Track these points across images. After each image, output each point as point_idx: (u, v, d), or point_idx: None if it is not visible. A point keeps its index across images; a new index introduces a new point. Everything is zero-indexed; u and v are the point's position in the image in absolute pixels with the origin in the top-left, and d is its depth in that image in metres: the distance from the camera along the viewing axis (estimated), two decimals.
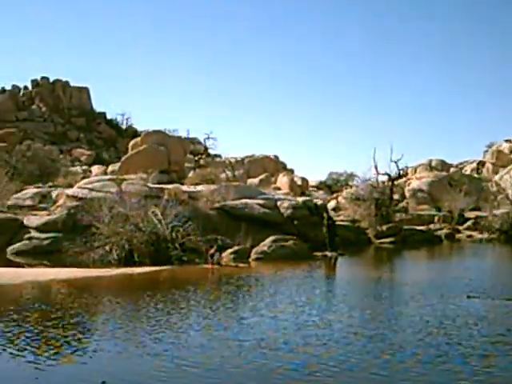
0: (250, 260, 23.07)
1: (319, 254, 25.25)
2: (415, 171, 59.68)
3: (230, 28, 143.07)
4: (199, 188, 31.51)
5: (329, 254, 25.40)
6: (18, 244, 24.98)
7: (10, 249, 24.65)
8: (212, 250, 21.30)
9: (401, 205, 43.88)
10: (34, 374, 7.86)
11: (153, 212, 22.56)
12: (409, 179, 53.44)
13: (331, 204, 41.82)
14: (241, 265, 21.47)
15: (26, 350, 9.06)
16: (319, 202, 32.16)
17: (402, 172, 41.16)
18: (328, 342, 9.63)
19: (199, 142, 65.98)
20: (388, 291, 16.31)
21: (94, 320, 11.95)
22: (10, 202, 30.46)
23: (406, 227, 35.12)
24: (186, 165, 49.37)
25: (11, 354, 8.83)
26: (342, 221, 33.38)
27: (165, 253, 21.40)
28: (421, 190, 49.64)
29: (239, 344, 9.43)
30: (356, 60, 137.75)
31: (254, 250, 23.71)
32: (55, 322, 11.14)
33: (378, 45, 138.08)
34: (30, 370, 8.01)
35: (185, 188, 31.38)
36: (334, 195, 47.74)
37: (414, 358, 8.61)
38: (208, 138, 59.91)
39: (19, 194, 32.02)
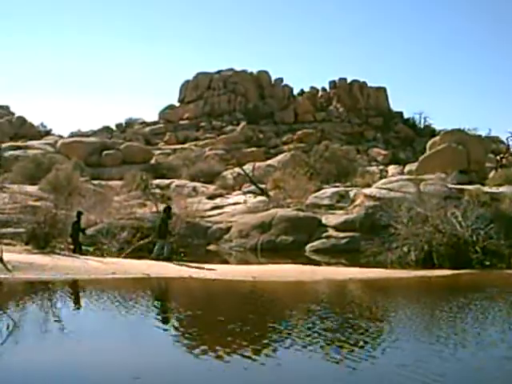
0: None
1: None
2: None
3: None
4: (502, 189, 29.70)
5: None
6: (316, 242, 26.20)
7: (308, 246, 26.03)
8: None
9: None
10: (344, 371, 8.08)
11: (453, 213, 21.93)
12: None
13: None
14: None
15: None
16: None
17: None
18: None
19: (501, 141, 62.28)
20: None
21: (388, 321, 11.89)
22: (308, 201, 31.79)
23: None
24: (487, 164, 46.81)
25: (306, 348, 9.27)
26: None
27: (465, 256, 20.60)
28: None
29: None
30: None
31: None
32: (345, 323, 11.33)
33: None
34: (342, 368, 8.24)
35: (486, 189, 29.90)
36: None
37: None
38: (511, 136, 56.47)
39: (318, 194, 33.31)
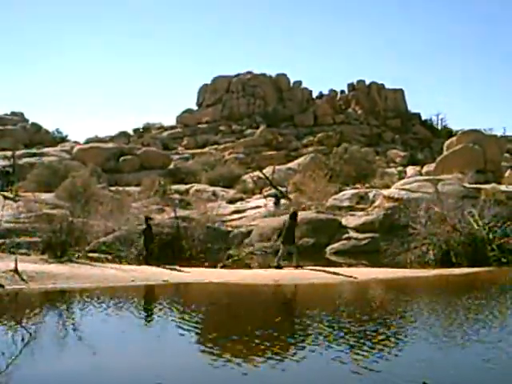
0: None
1: None
2: None
3: None
4: None
5: None
6: (336, 244, 26.43)
7: (329, 248, 26.23)
8: None
9: None
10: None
11: (469, 212, 22.30)
12: None
13: None
14: None
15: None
16: None
17: None
18: None
19: None
20: None
21: (408, 321, 12.20)
22: (328, 203, 32.11)
23: None
24: (503, 164, 47.05)
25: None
26: None
27: (482, 254, 20.95)
28: None
29: None
30: None
31: None
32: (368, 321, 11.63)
33: None
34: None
35: (502, 188, 30.21)
36: None
37: None
38: None
39: (337, 195, 33.57)
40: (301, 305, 14.68)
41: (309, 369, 8.50)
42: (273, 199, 34.95)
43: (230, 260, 22.74)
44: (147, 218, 22.26)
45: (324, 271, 18.53)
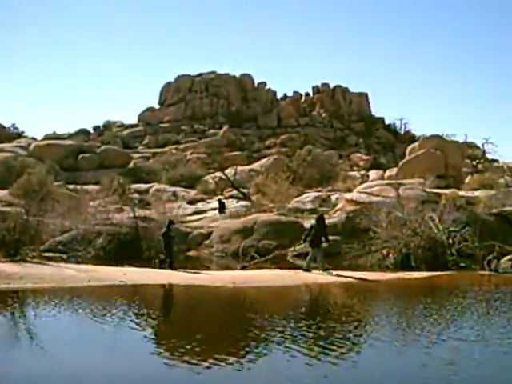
0: None
1: None
2: None
3: None
4: (477, 193, 30.66)
5: None
6: (298, 246, 26.04)
7: (290, 251, 25.72)
8: (489, 257, 20.50)
9: None
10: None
11: (430, 217, 22.39)
12: None
13: None
14: None
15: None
16: None
17: None
18: None
19: (477, 147, 63.63)
20: None
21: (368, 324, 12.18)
22: (290, 206, 32.01)
23: None
24: (464, 170, 47.85)
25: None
26: None
27: (442, 258, 21.01)
28: None
29: None
30: None
31: None
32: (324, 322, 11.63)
33: None
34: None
35: (462, 193, 30.62)
36: None
37: None
38: (486, 142, 58.05)
39: (300, 198, 33.57)
40: (256, 307, 14.29)
41: (262, 370, 8.45)
42: (234, 200, 34.66)
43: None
44: (170, 222, 21.49)
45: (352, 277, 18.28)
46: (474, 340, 10.06)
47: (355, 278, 17.94)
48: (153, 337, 10.60)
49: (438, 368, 8.30)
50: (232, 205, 34.44)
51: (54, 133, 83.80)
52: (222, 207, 32.45)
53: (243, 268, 21.00)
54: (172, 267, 19.58)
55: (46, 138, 75.72)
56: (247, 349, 9.51)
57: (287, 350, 9.23)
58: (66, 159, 56.20)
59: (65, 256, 22.06)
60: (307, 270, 19.25)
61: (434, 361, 8.68)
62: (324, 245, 20.12)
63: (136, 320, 11.67)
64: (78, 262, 20.99)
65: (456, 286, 17.34)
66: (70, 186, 42.68)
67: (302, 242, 21.24)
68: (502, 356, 9.11)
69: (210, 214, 32.93)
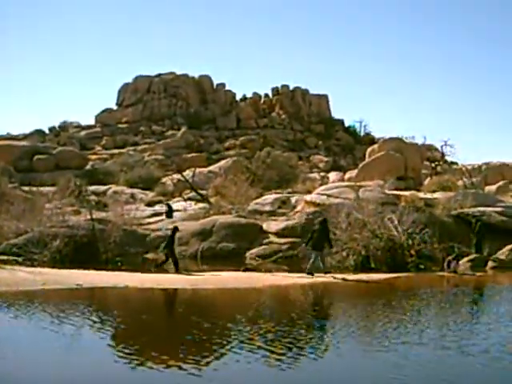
0: (487, 269, 21.88)
1: None
2: None
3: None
4: (436, 195, 30.96)
5: None
6: (257, 249, 25.80)
7: (249, 253, 25.59)
8: (449, 258, 20.74)
9: None
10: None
11: (389, 218, 22.44)
12: None
13: None
14: (478, 273, 20.44)
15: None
16: None
17: None
18: None
19: (436, 149, 64.57)
20: None
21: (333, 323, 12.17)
22: (250, 208, 31.71)
23: None
24: (423, 172, 48.44)
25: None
26: None
27: (401, 260, 21.12)
28: None
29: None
30: None
31: (491, 259, 22.48)
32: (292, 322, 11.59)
33: None
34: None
35: (421, 195, 30.85)
36: None
37: None
38: (445, 144, 58.91)
39: (259, 200, 33.28)
40: (219, 309, 14.28)
41: (227, 373, 8.40)
42: (192, 202, 34.17)
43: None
44: (176, 228, 21.62)
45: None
46: (418, 343, 10.04)
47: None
48: (107, 340, 10.37)
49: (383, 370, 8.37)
50: (190, 207, 33.92)
51: (8, 133, 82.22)
52: (170, 211, 31.87)
53: (245, 270, 20.78)
54: (177, 271, 20.13)
55: (0, 138, 73.81)
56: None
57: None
58: (21, 160, 55.15)
59: (20, 259, 21.70)
60: (310, 273, 19.11)
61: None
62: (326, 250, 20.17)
63: (90, 323, 11.41)
64: (33, 266, 20.50)
65: (411, 288, 17.53)
66: (25, 188, 41.77)
67: (304, 245, 21.17)
68: (446, 358, 9.08)
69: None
